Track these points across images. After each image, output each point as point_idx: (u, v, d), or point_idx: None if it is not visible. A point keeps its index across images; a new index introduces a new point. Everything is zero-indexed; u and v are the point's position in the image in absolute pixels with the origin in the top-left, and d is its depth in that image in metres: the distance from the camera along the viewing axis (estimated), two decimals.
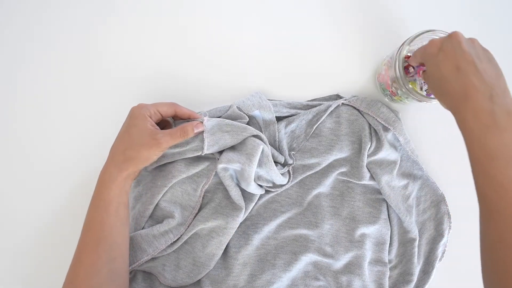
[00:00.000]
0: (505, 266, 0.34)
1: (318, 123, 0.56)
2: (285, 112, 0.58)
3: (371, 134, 0.57)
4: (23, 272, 0.60)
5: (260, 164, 0.53)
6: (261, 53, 0.62)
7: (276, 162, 0.55)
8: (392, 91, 0.56)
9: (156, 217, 0.56)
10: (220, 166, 0.53)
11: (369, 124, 0.57)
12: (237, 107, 0.56)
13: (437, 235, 0.59)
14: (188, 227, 0.54)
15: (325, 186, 0.58)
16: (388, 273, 0.57)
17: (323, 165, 0.57)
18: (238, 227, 0.55)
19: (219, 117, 0.56)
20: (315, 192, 0.57)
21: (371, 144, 0.56)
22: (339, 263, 0.56)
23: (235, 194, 0.54)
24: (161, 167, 0.56)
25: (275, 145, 0.57)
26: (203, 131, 0.51)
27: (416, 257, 0.57)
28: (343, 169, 0.57)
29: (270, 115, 0.57)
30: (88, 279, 0.46)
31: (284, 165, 0.56)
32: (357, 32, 0.62)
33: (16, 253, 0.60)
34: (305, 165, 0.57)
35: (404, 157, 0.59)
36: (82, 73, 0.62)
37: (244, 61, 0.62)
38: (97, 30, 0.63)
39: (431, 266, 0.58)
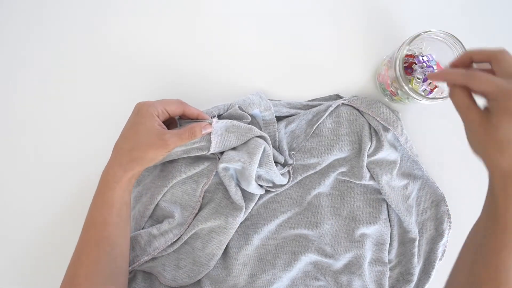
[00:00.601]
0: None
1: (318, 123, 0.56)
2: (285, 112, 0.58)
3: (371, 134, 0.57)
4: (23, 272, 0.60)
5: (260, 164, 0.53)
6: (261, 53, 0.62)
7: (276, 162, 0.55)
8: (392, 91, 0.56)
9: (156, 217, 0.56)
10: (221, 165, 0.53)
11: (369, 124, 0.57)
12: (238, 106, 0.56)
13: (437, 235, 0.59)
14: (188, 227, 0.54)
15: (325, 186, 0.58)
16: (388, 273, 0.57)
17: (323, 165, 0.57)
18: (238, 227, 0.55)
19: (219, 115, 0.56)
20: (315, 192, 0.57)
21: (371, 144, 0.56)
22: (339, 263, 0.56)
23: (235, 194, 0.54)
24: (161, 167, 0.56)
25: (275, 145, 0.57)
26: (210, 132, 0.51)
27: (416, 257, 0.57)
28: (343, 169, 0.57)
29: (270, 115, 0.57)
30: (88, 279, 0.45)
31: (284, 165, 0.56)
32: (357, 32, 0.62)
33: (16, 252, 0.60)
34: (305, 165, 0.57)
35: (404, 157, 0.59)
36: (84, 72, 0.62)
37: (245, 61, 0.62)
38: (102, 27, 0.63)
39: (431, 266, 0.58)
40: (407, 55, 0.56)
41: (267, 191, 0.57)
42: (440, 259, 0.59)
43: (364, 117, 0.58)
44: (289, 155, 0.57)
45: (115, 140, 0.49)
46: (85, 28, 0.63)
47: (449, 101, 0.51)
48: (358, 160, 0.56)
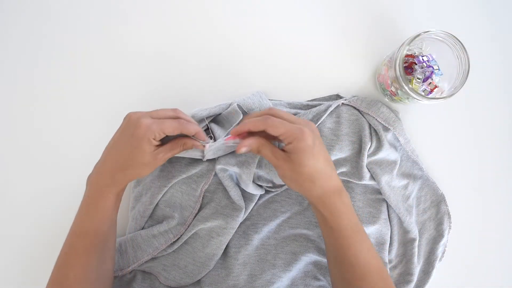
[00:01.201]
0: None
1: (318, 123, 0.56)
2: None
3: (371, 134, 0.57)
4: (23, 272, 0.60)
5: (260, 165, 0.53)
6: (261, 53, 0.62)
7: None
8: (392, 91, 0.56)
9: (156, 217, 0.56)
10: (219, 167, 0.53)
11: (369, 124, 0.57)
12: (237, 104, 0.56)
13: (437, 235, 0.59)
14: (188, 227, 0.54)
15: None
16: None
17: None
18: (238, 227, 0.55)
19: (219, 114, 0.56)
20: None
21: (371, 144, 0.56)
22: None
23: (235, 194, 0.54)
24: (161, 167, 0.56)
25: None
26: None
27: (416, 257, 0.57)
28: (343, 169, 0.57)
29: None
30: (78, 281, 0.46)
31: None
32: (357, 32, 0.62)
33: (16, 252, 0.60)
34: None
35: (404, 157, 0.59)
36: (84, 71, 0.62)
37: (245, 61, 0.62)
38: (102, 28, 0.63)
39: (431, 266, 0.58)
40: (407, 55, 0.56)
41: (267, 191, 0.57)
42: (440, 259, 0.59)
43: (364, 117, 0.58)
44: None
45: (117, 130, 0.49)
46: (85, 28, 0.63)
47: (449, 101, 0.51)
48: (358, 160, 0.56)
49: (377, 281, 0.44)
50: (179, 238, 0.54)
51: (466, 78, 0.51)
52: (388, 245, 0.57)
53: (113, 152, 0.47)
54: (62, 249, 0.48)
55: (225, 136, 0.52)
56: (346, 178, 0.57)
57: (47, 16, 0.63)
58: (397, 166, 0.58)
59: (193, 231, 0.54)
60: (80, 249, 0.47)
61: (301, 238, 0.56)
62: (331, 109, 0.57)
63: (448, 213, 0.59)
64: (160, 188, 0.55)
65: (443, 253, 0.59)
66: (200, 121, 0.55)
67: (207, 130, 0.56)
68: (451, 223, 0.59)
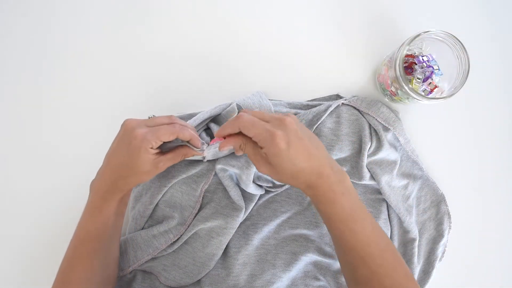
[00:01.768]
0: None
1: (318, 123, 0.56)
2: (285, 112, 0.58)
3: (371, 134, 0.57)
4: (23, 272, 0.60)
5: None
6: (261, 53, 0.62)
7: None
8: (392, 91, 0.56)
9: (156, 217, 0.56)
10: (218, 166, 0.53)
11: (369, 124, 0.57)
12: (237, 104, 0.56)
13: (437, 235, 0.59)
14: (188, 227, 0.54)
15: None
16: None
17: None
18: (238, 227, 0.55)
19: (219, 114, 0.56)
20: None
21: (371, 144, 0.56)
22: (339, 263, 0.56)
23: (235, 194, 0.54)
24: None
25: None
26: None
27: (416, 257, 0.57)
28: (343, 169, 0.57)
29: None
30: (82, 284, 0.46)
31: None
32: (357, 32, 0.62)
33: (15, 253, 0.60)
34: None
35: (404, 157, 0.59)
36: (85, 72, 0.62)
37: (245, 61, 0.62)
38: (103, 28, 0.63)
39: (431, 266, 0.58)
40: (407, 55, 0.56)
41: (267, 191, 0.57)
42: (440, 259, 0.59)
43: (364, 117, 0.58)
44: None
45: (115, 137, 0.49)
46: (87, 28, 0.63)
47: (449, 101, 0.51)
48: (358, 160, 0.56)
49: (379, 262, 0.43)
50: (179, 238, 0.54)
51: (466, 78, 0.51)
52: None
53: (113, 160, 0.47)
54: (66, 252, 0.48)
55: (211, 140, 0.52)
56: None
57: (49, 16, 0.63)
58: (397, 166, 0.58)
59: (193, 231, 0.54)
60: (84, 253, 0.47)
61: (301, 238, 0.56)
62: (331, 109, 0.57)
63: (448, 213, 0.59)
64: (160, 188, 0.55)
65: (443, 253, 0.59)
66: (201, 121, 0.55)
67: (207, 130, 0.56)
68: (451, 223, 0.59)
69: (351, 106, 0.58)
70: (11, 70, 0.62)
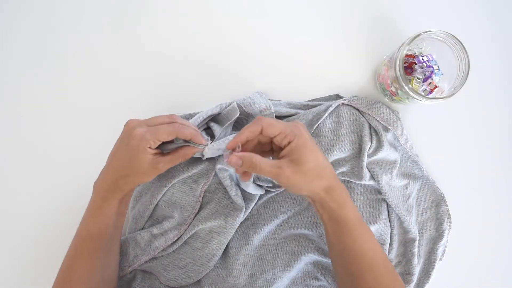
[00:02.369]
0: None
1: (318, 123, 0.56)
2: (285, 112, 0.58)
3: (371, 134, 0.57)
4: (24, 272, 0.60)
5: None
6: (261, 53, 0.62)
7: None
8: (392, 91, 0.56)
9: (156, 217, 0.56)
10: (219, 166, 0.53)
11: (369, 124, 0.57)
12: (237, 103, 0.56)
13: (437, 235, 0.59)
14: (188, 227, 0.54)
15: None
16: None
17: None
18: (238, 227, 0.55)
19: (218, 114, 0.56)
20: None
21: (371, 144, 0.56)
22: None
23: (235, 194, 0.54)
24: None
25: None
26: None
27: (416, 257, 0.57)
28: (343, 169, 0.57)
29: (270, 115, 0.57)
30: (82, 283, 0.47)
31: None
32: (357, 32, 0.62)
33: (16, 253, 0.60)
34: None
35: (404, 157, 0.59)
36: (86, 72, 0.62)
37: (245, 61, 0.62)
38: (104, 29, 0.63)
39: (431, 266, 0.58)
40: (407, 55, 0.56)
41: (267, 191, 0.57)
42: (440, 259, 0.59)
43: (364, 117, 0.58)
44: None
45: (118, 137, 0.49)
46: (88, 28, 0.63)
47: (449, 101, 0.51)
48: (358, 160, 0.56)
49: (383, 272, 0.44)
50: (179, 238, 0.54)
51: (466, 78, 0.51)
52: (388, 245, 0.57)
53: (114, 160, 0.48)
54: (67, 252, 0.49)
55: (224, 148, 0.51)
56: (346, 178, 0.57)
57: (50, 16, 0.63)
58: (397, 166, 0.58)
59: (193, 231, 0.54)
60: (85, 252, 0.48)
61: (301, 238, 0.56)
62: (331, 109, 0.57)
63: (448, 213, 0.59)
64: (160, 188, 0.55)
65: (443, 253, 0.59)
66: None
67: (208, 129, 0.56)
68: (451, 223, 0.59)
69: (351, 106, 0.58)
70: (11, 70, 0.62)
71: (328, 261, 0.56)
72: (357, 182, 0.57)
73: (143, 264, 0.55)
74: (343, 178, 0.57)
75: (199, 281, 0.55)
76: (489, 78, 0.62)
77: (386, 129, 0.57)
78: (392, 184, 0.57)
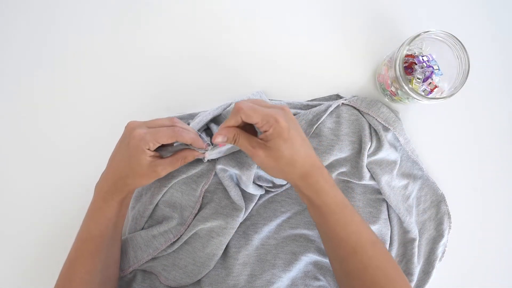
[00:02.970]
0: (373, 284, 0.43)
1: (318, 123, 0.56)
2: None
3: (371, 134, 0.57)
4: (24, 272, 0.60)
5: None
6: (261, 53, 0.62)
7: None
8: (392, 91, 0.56)
9: (156, 217, 0.56)
10: (219, 167, 0.53)
11: (369, 124, 0.57)
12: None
13: (437, 235, 0.59)
14: (188, 227, 0.54)
15: None
16: None
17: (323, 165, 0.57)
18: (238, 227, 0.55)
19: (218, 115, 0.56)
20: None
21: (371, 144, 0.56)
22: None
23: (235, 194, 0.54)
24: None
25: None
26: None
27: (416, 257, 0.57)
28: (343, 169, 0.57)
29: None
30: (82, 285, 0.47)
31: None
32: (357, 32, 0.62)
33: (16, 253, 0.60)
34: None
35: (404, 157, 0.59)
36: (86, 72, 0.62)
37: (245, 61, 0.62)
38: (104, 29, 0.63)
39: (431, 266, 0.58)
40: (407, 55, 0.56)
41: (267, 191, 0.57)
42: (440, 259, 0.59)
43: (364, 117, 0.58)
44: None
45: (118, 139, 0.49)
46: (88, 28, 0.63)
47: (449, 101, 0.51)
48: (358, 160, 0.56)
49: (371, 254, 0.44)
50: (179, 238, 0.54)
51: (466, 78, 0.51)
52: (388, 245, 0.57)
53: (115, 161, 0.48)
54: (68, 254, 0.49)
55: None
56: (346, 178, 0.57)
57: (50, 16, 0.63)
58: (397, 166, 0.58)
59: (193, 231, 0.54)
60: (86, 253, 0.48)
61: (301, 238, 0.56)
62: (331, 109, 0.57)
63: (448, 213, 0.59)
64: (160, 188, 0.55)
65: (443, 253, 0.59)
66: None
67: (207, 129, 0.56)
68: (451, 223, 0.59)
69: (351, 106, 0.58)
70: (11, 70, 0.62)
71: (328, 261, 0.56)
72: (357, 182, 0.57)
73: (143, 264, 0.55)
74: (343, 178, 0.58)
75: (199, 281, 0.55)
76: (489, 78, 0.62)
77: (386, 129, 0.57)
78: (392, 184, 0.57)
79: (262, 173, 0.54)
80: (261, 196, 0.57)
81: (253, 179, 0.53)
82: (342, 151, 0.56)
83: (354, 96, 0.59)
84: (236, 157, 0.53)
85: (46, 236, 0.60)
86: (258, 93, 0.58)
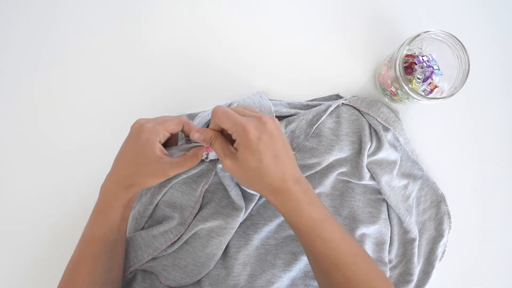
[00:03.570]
0: None
1: (318, 123, 0.56)
2: (285, 112, 0.58)
3: (371, 134, 0.57)
4: (25, 272, 0.60)
5: None
6: (261, 53, 0.62)
7: None
8: (392, 91, 0.56)
9: (156, 217, 0.56)
10: (219, 166, 0.53)
11: (369, 124, 0.57)
12: (237, 104, 0.56)
13: (437, 235, 0.59)
14: (188, 227, 0.54)
15: (325, 186, 0.58)
16: (388, 273, 0.57)
17: (323, 165, 0.57)
18: (238, 227, 0.55)
19: None
20: (315, 192, 0.57)
21: (371, 144, 0.56)
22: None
23: (235, 194, 0.54)
24: None
25: None
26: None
27: (416, 257, 0.57)
28: (343, 169, 0.57)
29: (270, 115, 0.57)
30: (85, 287, 0.47)
31: None
32: (357, 32, 0.62)
33: (16, 253, 0.60)
34: (305, 165, 0.57)
35: (404, 157, 0.59)
36: (87, 72, 0.62)
37: (245, 61, 0.62)
38: (104, 29, 0.63)
39: (431, 266, 0.58)
40: (407, 55, 0.56)
41: None
42: (440, 259, 0.59)
43: (364, 117, 0.58)
44: None
45: (121, 139, 0.49)
46: (89, 28, 0.63)
47: (449, 101, 0.51)
48: (358, 160, 0.56)
49: (354, 268, 0.43)
50: (179, 238, 0.54)
51: (466, 78, 0.51)
52: (388, 245, 0.57)
53: (121, 160, 0.48)
54: (72, 256, 0.49)
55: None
56: (346, 178, 0.57)
57: (50, 16, 0.63)
58: (397, 166, 0.58)
59: (193, 231, 0.54)
60: (89, 255, 0.48)
61: None
62: (331, 109, 0.57)
63: (448, 213, 0.59)
64: (160, 188, 0.55)
65: (443, 253, 0.59)
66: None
67: None
68: (451, 223, 0.59)
69: (351, 106, 0.58)
70: (11, 70, 0.62)
71: None
72: (357, 182, 0.57)
73: (143, 264, 0.55)
74: (343, 178, 0.58)
75: (199, 281, 0.55)
76: (489, 78, 0.62)
77: (386, 129, 0.57)
78: (392, 184, 0.57)
79: None
80: (261, 196, 0.57)
81: None
82: (342, 151, 0.56)
83: (354, 96, 0.59)
84: None
85: (46, 236, 0.60)
86: (258, 93, 0.58)
